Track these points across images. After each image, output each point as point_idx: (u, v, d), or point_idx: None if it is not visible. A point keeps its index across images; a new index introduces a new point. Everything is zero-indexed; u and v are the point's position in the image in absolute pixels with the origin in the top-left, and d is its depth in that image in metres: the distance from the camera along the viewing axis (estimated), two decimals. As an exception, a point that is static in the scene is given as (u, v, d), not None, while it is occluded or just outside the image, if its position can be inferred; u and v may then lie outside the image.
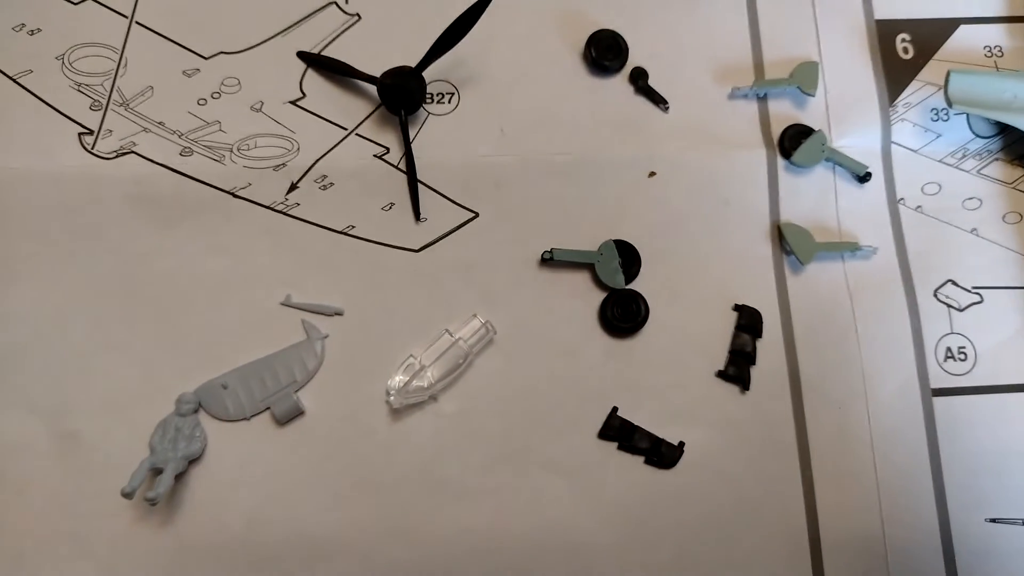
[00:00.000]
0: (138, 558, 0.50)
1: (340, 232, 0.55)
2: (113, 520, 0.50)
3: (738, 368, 0.53)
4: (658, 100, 0.59)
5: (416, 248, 0.55)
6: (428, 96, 0.58)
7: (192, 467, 0.51)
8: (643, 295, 0.54)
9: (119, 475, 0.49)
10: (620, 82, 0.59)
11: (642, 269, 0.55)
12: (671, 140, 0.58)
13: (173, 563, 0.50)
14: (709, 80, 0.60)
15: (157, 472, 0.50)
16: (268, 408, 0.52)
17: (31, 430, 0.51)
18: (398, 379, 0.52)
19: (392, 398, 0.52)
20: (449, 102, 0.58)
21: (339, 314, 0.54)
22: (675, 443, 0.53)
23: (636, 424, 0.53)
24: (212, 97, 0.57)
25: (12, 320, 0.53)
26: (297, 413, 0.52)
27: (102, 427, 0.51)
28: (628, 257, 0.55)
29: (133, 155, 0.56)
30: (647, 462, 0.52)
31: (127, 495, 0.47)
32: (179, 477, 0.50)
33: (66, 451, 0.51)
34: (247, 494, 0.51)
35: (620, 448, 0.53)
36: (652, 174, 0.57)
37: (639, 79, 0.59)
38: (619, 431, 0.52)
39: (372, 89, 0.57)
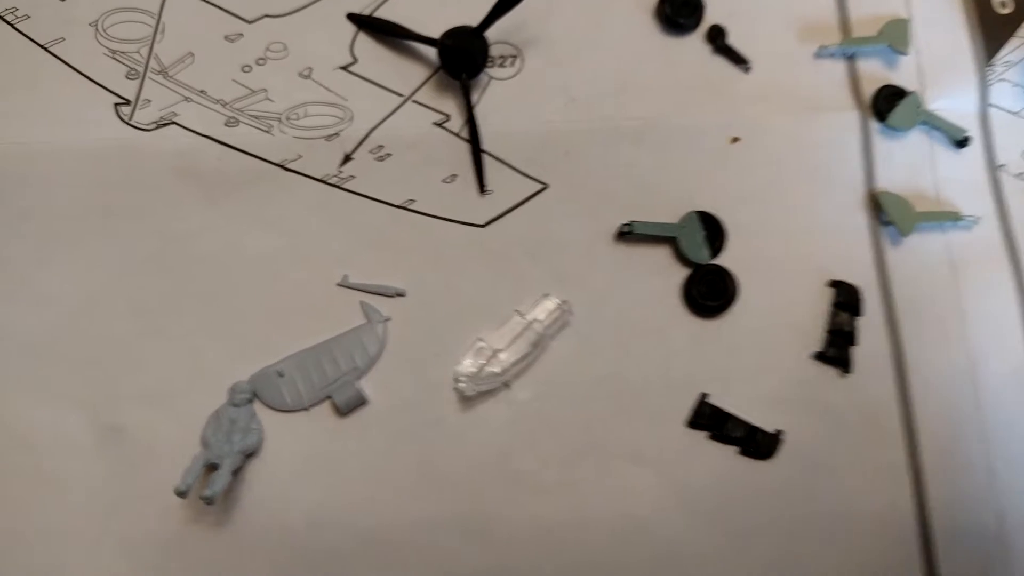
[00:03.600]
0: (190, 561, 0.46)
1: (399, 206, 0.51)
2: (163, 521, 0.46)
3: (837, 349, 0.49)
4: (738, 60, 0.54)
5: (481, 223, 0.51)
6: (489, 60, 0.53)
7: (248, 462, 0.47)
8: (730, 271, 0.50)
9: (168, 472, 0.45)
10: (696, 41, 0.55)
11: (727, 243, 0.51)
12: (754, 103, 0.53)
13: (228, 566, 0.46)
14: (792, 38, 0.55)
15: (211, 468, 0.46)
16: (328, 397, 0.48)
17: (71, 424, 0.48)
18: (468, 364, 0.48)
19: (463, 384, 0.48)
20: (512, 65, 0.54)
21: (401, 295, 0.50)
22: (771, 431, 0.48)
23: (728, 411, 0.48)
24: (257, 64, 0.53)
25: (48, 305, 0.49)
26: (360, 402, 0.48)
27: (149, 420, 0.48)
28: (712, 230, 0.50)
29: (174, 126, 0.52)
30: (742, 453, 0.48)
31: (181, 494, 0.43)
32: (234, 473, 0.46)
33: (110, 447, 0.47)
34: (308, 491, 0.47)
35: (711, 438, 0.48)
36: (735, 140, 0.53)
37: (717, 38, 0.54)
38: (710, 419, 0.48)
39: (429, 52, 0.52)
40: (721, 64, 0.54)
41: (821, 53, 0.55)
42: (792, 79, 0.54)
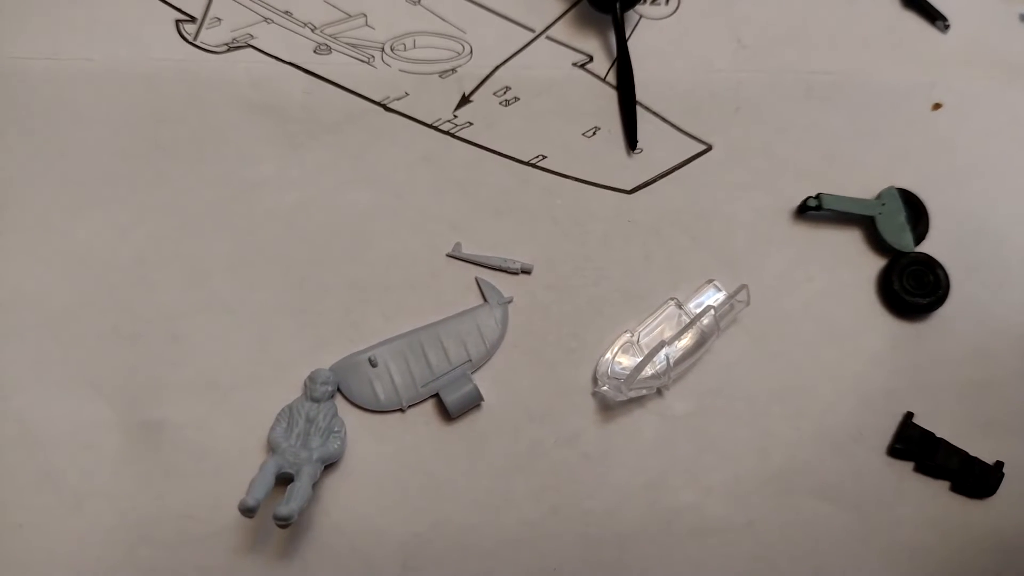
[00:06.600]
0: (246, 604, 0.35)
1: (527, 163, 0.41)
2: (209, 550, 0.35)
3: (1076, 364, 0.39)
4: (934, 16, 0.45)
5: (628, 189, 0.41)
6: (639, -6, 0.44)
7: (325, 474, 0.36)
8: (940, 262, 0.40)
9: (221, 483, 0.35)
10: (883, -11, 0.45)
11: (931, 228, 0.41)
12: (955, 66, 0.44)
13: (295, 612, 0.35)
14: (993, -4, 0.46)
15: (285, 480, 0.35)
16: (433, 395, 0.37)
17: (96, 418, 0.36)
18: (612, 362, 0.38)
19: (605, 388, 0.37)
20: (666, 3, 0.44)
21: (526, 272, 0.39)
22: (991, 463, 0.38)
23: (939, 436, 0.38)
24: (354, -16, 0.43)
25: (77, 266, 0.38)
26: (473, 403, 0.37)
27: (197, 416, 0.37)
28: (914, 211, 0.41)
29: (250, 49, 0.42)
30: (954, 488, 0.38)
31: (248, 511, 0.32)
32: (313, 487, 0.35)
33: (145, 449, 0.36)
34: (402, 517, 0.36)
35: (918, 469, 0.38)
36: (937, 106, 0.43)
37: (908, -12, 0.45)
38: (917, 446, 0.38)
39: (568, -20, 0.43)
40: (913, 19, 0.45)
41: (1029, 14, 0.46)
42: (996, 42, 0.45)
